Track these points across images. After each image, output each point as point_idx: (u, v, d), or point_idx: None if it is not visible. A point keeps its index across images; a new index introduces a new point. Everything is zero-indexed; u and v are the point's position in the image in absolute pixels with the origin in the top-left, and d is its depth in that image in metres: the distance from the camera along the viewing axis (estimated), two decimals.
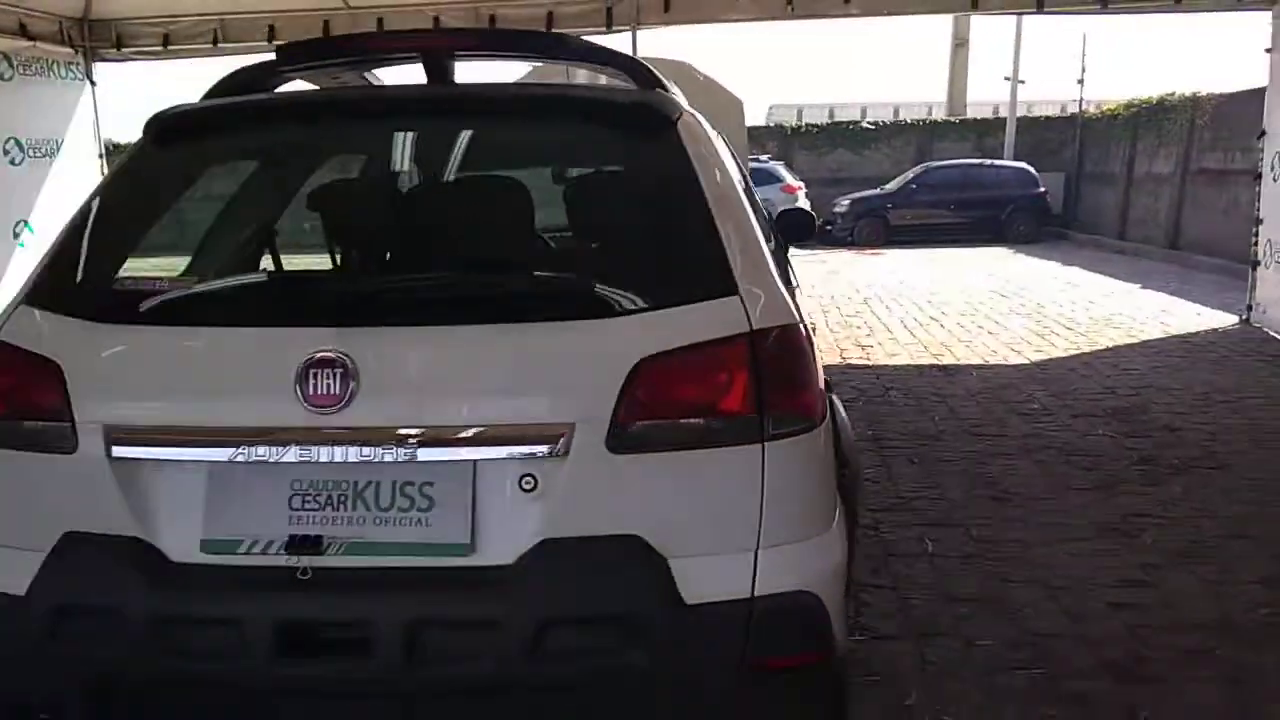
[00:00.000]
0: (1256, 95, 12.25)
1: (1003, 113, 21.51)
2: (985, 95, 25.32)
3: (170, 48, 9.12)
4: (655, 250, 1.81)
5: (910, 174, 18.91)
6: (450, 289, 1.84)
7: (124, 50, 9.17)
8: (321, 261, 2.11)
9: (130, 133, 18.06)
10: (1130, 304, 10.05)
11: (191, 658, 1.64)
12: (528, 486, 1.63)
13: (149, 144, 1.97)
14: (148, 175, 2.00)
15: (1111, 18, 10.44)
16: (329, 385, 1.60)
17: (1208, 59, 53.25)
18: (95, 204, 1.93)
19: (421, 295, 1.84)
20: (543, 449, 1.62)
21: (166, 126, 1.96)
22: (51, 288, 1.83)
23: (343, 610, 1.63)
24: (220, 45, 9.06)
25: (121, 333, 1.79)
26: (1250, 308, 8.39)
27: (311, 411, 1.61)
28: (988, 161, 19.27)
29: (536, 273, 2.04)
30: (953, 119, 22.93)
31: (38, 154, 8.73)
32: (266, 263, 2.24)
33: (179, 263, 2.12)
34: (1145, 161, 16.54)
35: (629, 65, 2.14)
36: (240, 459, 1.65)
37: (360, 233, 2.08)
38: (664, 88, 2.02)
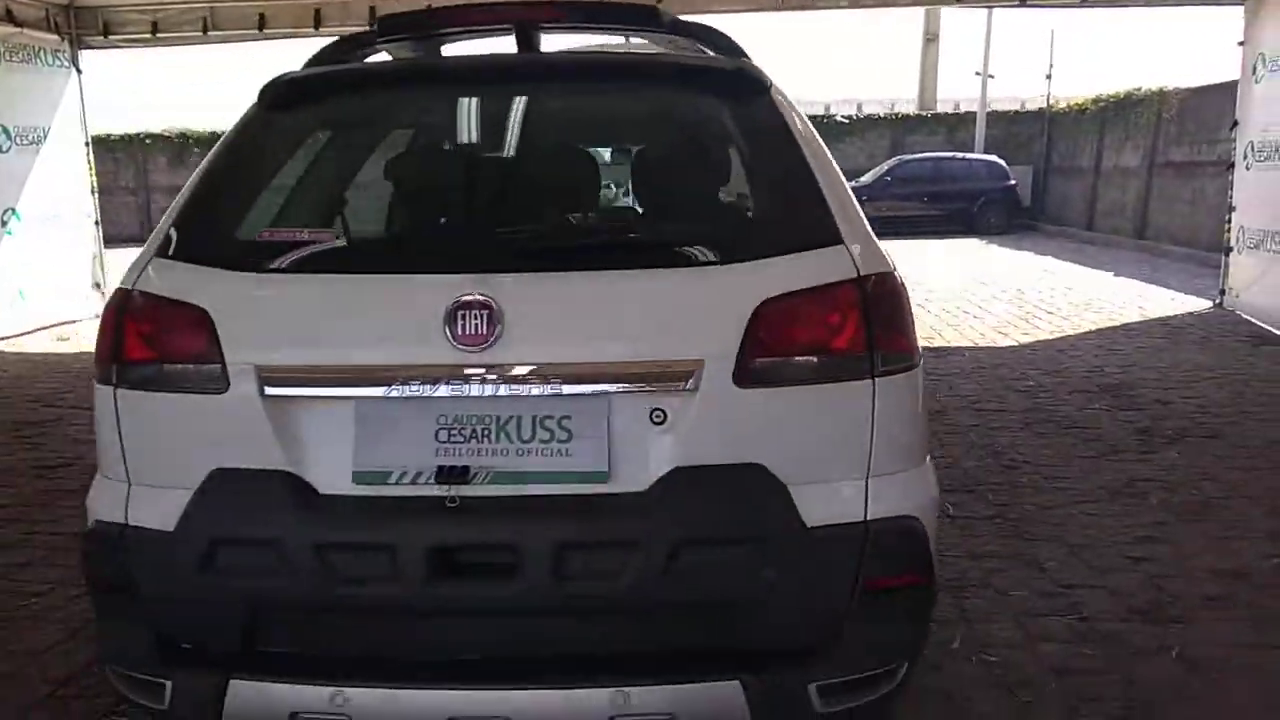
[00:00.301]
0: (1221, 89, 12.68)
1: (970, 107, 21.93)
2: (955, 91, 25.73)
3: (159, 35, 9.06)
4: (767, 203, 1.95)
5: (884, 167, 19.21)
6: (586, 238, 1.99)
7: (111, 37, 9.10)
8: (448, 216, 2.20)
9: (108, 124, 17.93)
10: (1106, 290, 10.34)
11: (346, 583, 1.72)
12: (658, 420, 1.74)
13: (263, 108, 2.05)
14: (266, 137, 2.08)
15: (1083, 12, 10.74)
16: (477, 326, 1.70)
17: (1174, 54, 54.41)
18: (217, 165, 2.00)
19: (560, 244, 1.97)
20: (674, 385, 1.73)
21: (281, 92, 2.05)
22: (187, 241, 1.90)
23: (491, 534, 1.73)
24: (210, 33, 9.03)
25: (270, 281, 1.88)
26: (1223, 292, 8.69)
27: (460, 350, 1.71)
28: (960, 155, 19.61)
29: (663, 223, 2.15)
30: (925, 113, 23.29)
31: (25, 141, 8.65)
32: (388, 216, 2.32)
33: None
34: (1113, 154, 16.96)
35: (714, 38, 2.26)
36: (390, 395, 1.74)
37: (489, 189, 2.17)
38: (748, 59, 2.15)
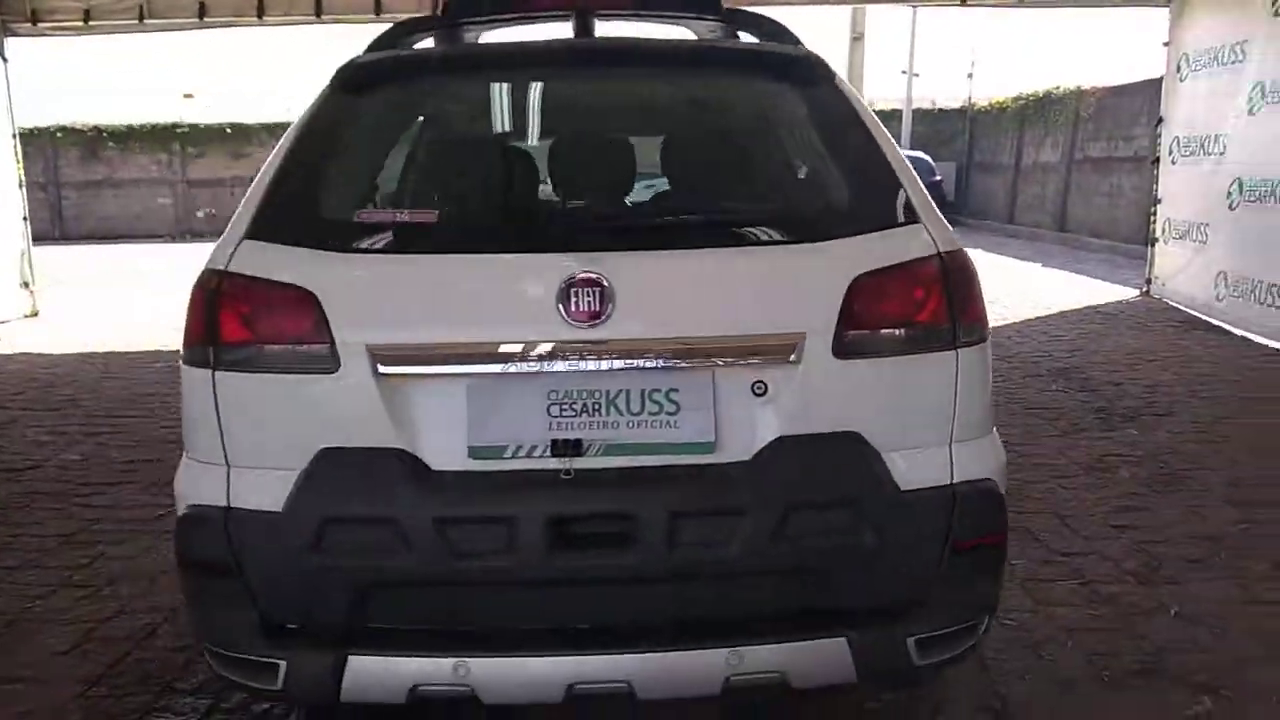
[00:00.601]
0: (1138, 88, 13.35)
1: (896, 105, 22.52)
2: (882, 90, 26.31)
3: (91, 24, 8.71)
4: (850, 185, 2.02)
5: None
6: (690, 217, 2.03)
7: (40, 25, 8.71)
8: (551, 196, 2.22)
9: (34, 117, 16.94)
10: (1037, 281, 10.79)
11: (464, 557, 1.74)
12: (759, 391, 1.82)
13: (339, 91, 2.04)
14: (344, 119, 2.06)
15: (1005, 12, 11.15)
16: (589, 303, 1.75)
17: (1095, 53, 56.64)
18: (298, 148, 1.98)
19: (666, 223, 2.04)
20: (777, 358, 1.81)
21: (357, 75, 2.05)
22: (278, 223, 1.88)
23: (606, 505, 1.78)
24: (146, 21, 8.71)
25: (378, 261, 1.89)
26: (1149, 280, 9.15)
27: (572, 326, 1.76)
28: None
29: (757, 203, 2.22)
30: None
31: None
32: (487, 197, 2.26)
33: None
34: (1033, 151, 17.64)
35: (775, 29, 2.35)
36: (503, 372, 1.78)
37: (588, 170, 2.18)
38: (804, 46, 2.23)
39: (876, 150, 1.98)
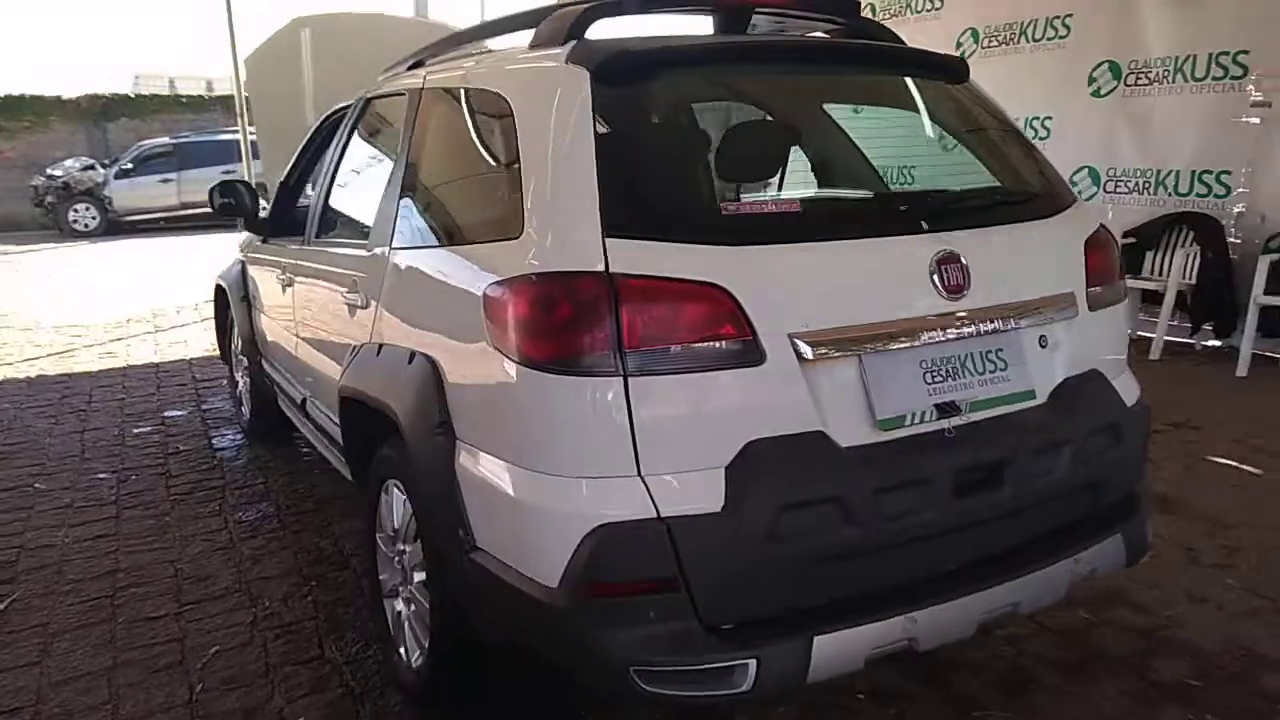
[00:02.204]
0: None
1: None
2: None
3: None
4: (1036, 164, 2.39)
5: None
6: (992, 198, 2.30)
7: None
8: (883, 183, 2.46)
9: None
10: None
11: (895, 520, 1.85)
12: (1043, 344, 2.12)
13: (601, 84, 1.92)
14: (635, 112, 2.02)
15: None
16: (957, 277, 1.97)
17: None
18: (610, 145, 1.87)
19: (979, 204, 2.27)
20: (1061, 313, 2.14)
21: (614, 66, 1.96)
22: (639, 220, 1.82)
23: (985, 455, 1.98)
24: None
25: (777, 252, 1.88)
26: None
27: (945, 300, 1.96)
28: None
29: (1014, 183, 2.39)
30: None
31: None
32: (821, 184, 2.44)
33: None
34: None
35: (894, 36, 2.49)
36: (892, 348, 1.91)
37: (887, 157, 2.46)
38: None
39: (1024, 138, 2.35)
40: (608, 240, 1.77)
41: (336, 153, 3.28)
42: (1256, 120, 5.76)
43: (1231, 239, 5.74)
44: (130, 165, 17.41)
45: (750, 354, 1.78)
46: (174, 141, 17.84)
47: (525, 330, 1.81)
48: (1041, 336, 2.12)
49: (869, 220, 2.04)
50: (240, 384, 4.87)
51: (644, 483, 1.74)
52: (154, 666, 2.73)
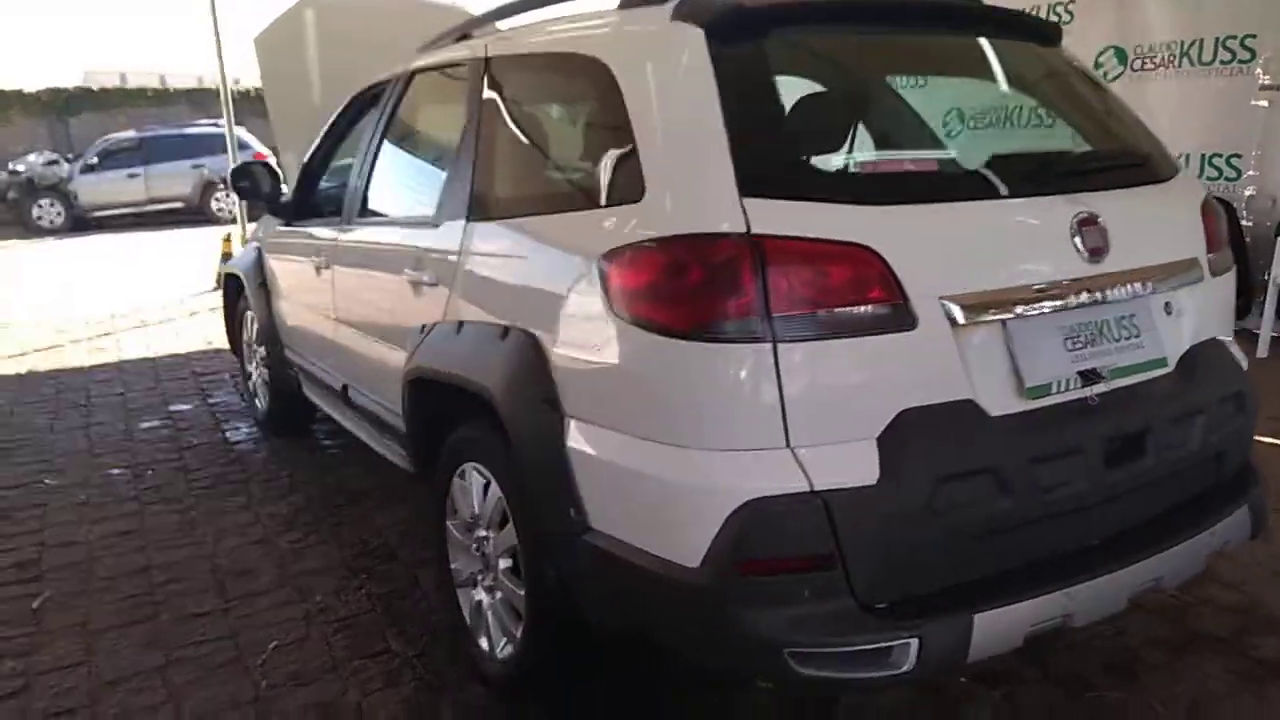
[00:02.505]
0: None
1: None
2: None
3: None
4: (1135, 127, 2.29)
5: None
6: (1120, 160, 2.20)
7: None
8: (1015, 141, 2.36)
9: None
10: None
11: (1048, 490, 1.78)
12: (1169, 311, 2.06)
13: (716, 41, 1.81)
14: (751, 68, 1.87)
15: None
16: (1096, 240, 1.90)
17: None
18: (731, 101, 1.76)
19: (1108, 165, 2.17)
20: (1187, 278, 2.08)
21: (733, 21, 1.86)
22: (777, 179, 1.72)
23: (1128, 424, 1.91)
24: None
25: (923, 212, 1.80)
26: None
27: (1085, 263, 1.89)
28: None
29: (1131, 145, 2.28)
30: None
31: None
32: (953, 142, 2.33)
33: None
34: None
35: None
36: (1034, 312, 1.83)
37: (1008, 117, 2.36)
38: None
39: (1122, 101, 2.29)
40: (745, 200, 1.67)
41: (378, 130, 3.14)
42: (1265, 104, 5.81)
43: (1244, 222, 5.78)
44: (95, 160, 16.92)
45: (901, 318, 1.69)
46: (140, 135, 17.38)
47: (662, 297, 1.71)
48: (1167, 303, 2.06)
49: (1007, 180, 1.95)
50: (254, 376, 4.70)
51: (794, 455, 1.65)
52: (210, 664, 2.59)
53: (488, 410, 2.15)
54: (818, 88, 2.20)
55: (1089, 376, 1.89)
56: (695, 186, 1.75)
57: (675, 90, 1.86)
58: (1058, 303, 1.86)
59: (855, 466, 1.66)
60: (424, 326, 2.50)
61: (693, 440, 1.69)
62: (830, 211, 1.71)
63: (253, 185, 3.86)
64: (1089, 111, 2.34)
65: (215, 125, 18.18)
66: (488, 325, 2.19)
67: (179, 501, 3.80)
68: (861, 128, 2.07)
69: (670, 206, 1.75)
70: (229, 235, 9.39)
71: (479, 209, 2.35)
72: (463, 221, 2.38)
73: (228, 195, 17.17)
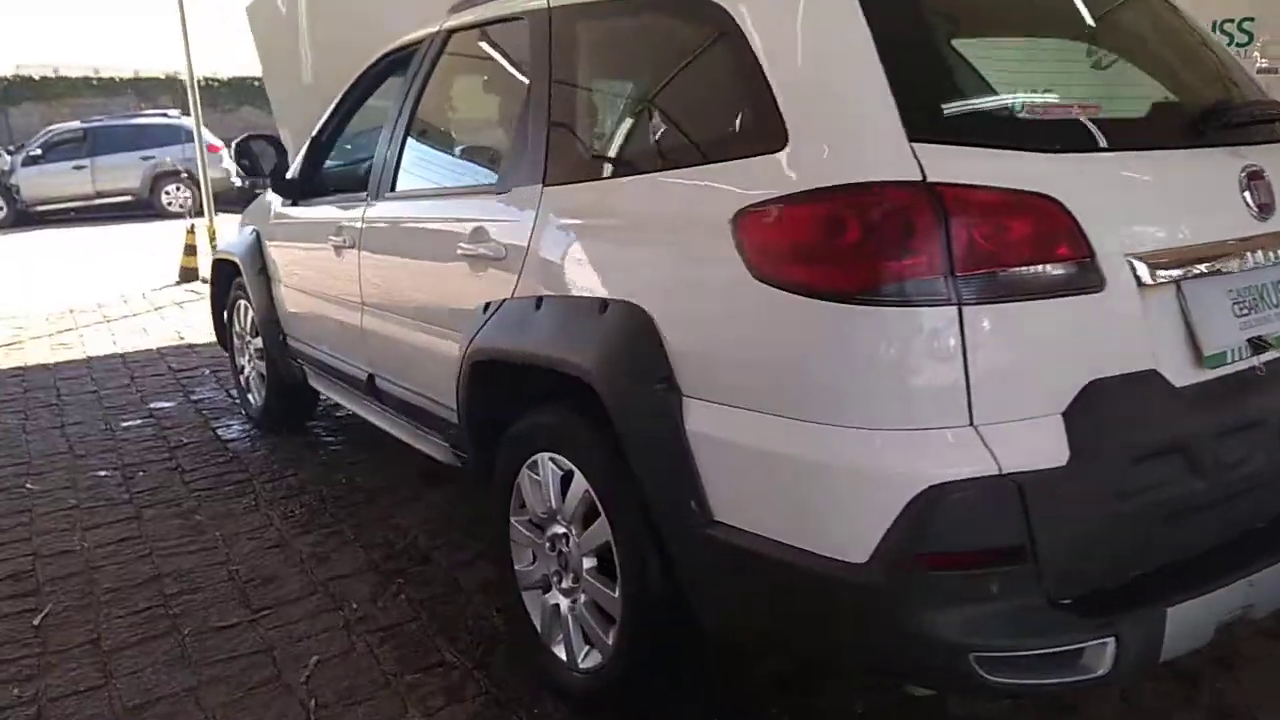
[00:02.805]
0: None
1: None
2: None
3: None
4: (1239, 74, 2.16)
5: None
6: (1263, 111, 1.95)
7: None
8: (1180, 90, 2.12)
9: None
10: None
11: (1234, 468, 1.62)
12: None
13: None
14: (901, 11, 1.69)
15: None
16: (1265, 195, 1.76)
17: None
18: (892, 39, 1.59)
19: (1254, 115, 1.92)
20: None
21: None
22: (949, 124, 1.59)
23: None
24: None
25: (1104, 161, 1.65)
26: None
27: (1256, 221, 1.74)
28: None
29: (1269, 100, 2.10)
30: None
31: None
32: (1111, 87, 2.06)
33: None
34: None
35: None
36: (1208, 272, 1.68)
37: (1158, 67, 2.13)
38: None
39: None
40: (920, 145, 1.49)
41: (408, 97, 2.88)
42: (1263, 84, 5.80)
43: None
44: (39, 151, 16.16)
45: (1089, 278, 1.52)
46: (86, 126, 16.66)
47: (820, 256, 1.52)
48: None
49: (1174, 131, 1.80)
50: (247, 369, 4.40)
51: (978, 433, 1.46)
52: (247, 682, 2.33)
53: (574, 393, 1.94)
54: (973, 20, 2.01)
55: (1257, 344, 1.73)
56: (854, 131, 1.56)
57: (817, 24, 1.66)
58: (1230, 263, 1.71)
59: (1044, 446, 1.47)
60: (488, 305, 2.27)
61: (860, 419, 1.49)
62: (1007, 159, 1.54)
63: (253, 162, 3.59)
64: (1220, 63, 2.19)
65: (165, 115, 17.59)
66: (579, 299, 1.97)
67: (178, 504, 3.51)
68: (1025, 67, 1.89)
69: (825, 155, 1.55)
70: (193, 226, 8.98)
71: (559, 172, 2.13)
72: (538, 187, 2.16)
73: (178, 189, 16.65)
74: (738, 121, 1.72)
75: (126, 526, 3.31)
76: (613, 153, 2.11)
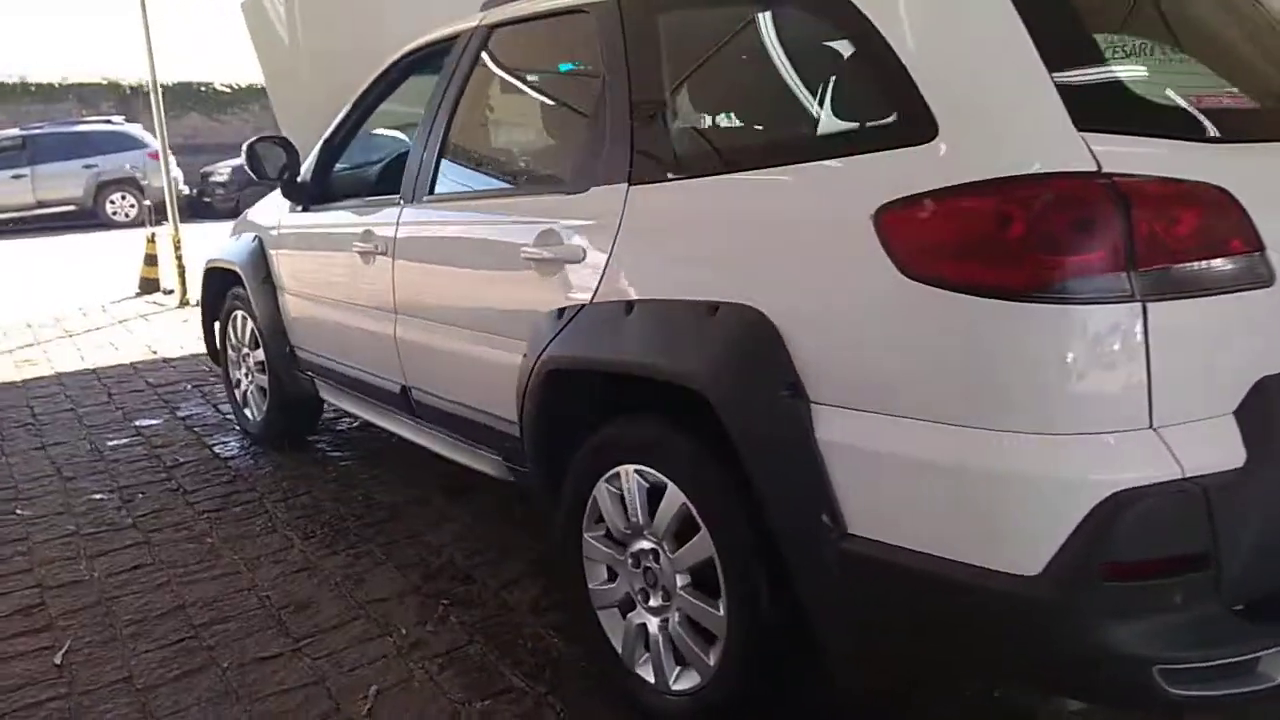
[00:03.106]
0: None
1: None
2: None
3: None
4: None
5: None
6: None
7: None
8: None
9: None
10: None
11: None
12: None
13: None
14: None
15: None
16: None
17: None
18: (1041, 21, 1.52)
19: None
20: None
21: None
22: (1116, 113, 1.52)
23: None
24: None
25: (1259, 152, 1.58)
26: None
27: None
28: None
29: None
30: None
31: None
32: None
33: None
34: None
35: None
36: None
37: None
38: None
39: None
40: (1089, 134, 1.42)
41: (446, 95, 2.75)
42: None
43: None
44: None
45: (1259, 272, 1.47)
46: (24, 133, 16.07)
47: (987, 252, 1.43)
48: None
49: None
50: (245, 384, 4.20)
51: (1159, 436, 1.40)
52: (305, 718, 2.19)
53: (669, 402, 1.85)
54: (1114, 8, 1.93)
55: None
56: (1017, 122, 1.49)
57: (959, 9, 1.59)
58: None
59: (1220, 446, 1.42)
60: (562, 311, 2.15)
61: (1033, 423, 1.41)
62: (1173, 149, 1.49)
63: (259, 166, 3.42)
64: None
65: (109, 122, 17.05)
66: (682, 303, 1.87)
67: (188, 527, 3.32)
68: (1171, 55, 1.83)
69: (987, 146, 1.48)
70: (153, 235, 8.65)
71: (646, 170, 2.02)
72: (623, 185, 2.05)
73: (124, 197, 16.12)
74: (871, 113, 1.64)
75: (137, 553, 3.12)
76: (712, 149, 2.02)
